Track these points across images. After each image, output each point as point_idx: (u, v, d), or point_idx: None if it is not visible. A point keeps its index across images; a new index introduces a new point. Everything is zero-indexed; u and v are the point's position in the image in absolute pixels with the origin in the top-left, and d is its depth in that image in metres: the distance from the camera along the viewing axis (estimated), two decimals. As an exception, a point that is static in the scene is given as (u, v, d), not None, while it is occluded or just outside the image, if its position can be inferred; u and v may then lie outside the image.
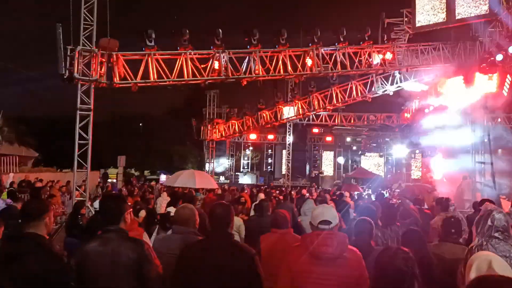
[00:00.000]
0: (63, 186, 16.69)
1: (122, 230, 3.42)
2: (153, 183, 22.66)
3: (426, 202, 11.26)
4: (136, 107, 43.51)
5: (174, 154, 40.25)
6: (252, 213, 9.55)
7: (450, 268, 3.78)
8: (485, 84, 15.51)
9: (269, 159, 39.67)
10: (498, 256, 2.65)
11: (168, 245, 3.97)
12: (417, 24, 16.67)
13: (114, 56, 12.31)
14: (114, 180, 26.20)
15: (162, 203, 11.26)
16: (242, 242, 3.65)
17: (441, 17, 16.28)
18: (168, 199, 11.88)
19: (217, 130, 27.92)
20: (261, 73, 15.22)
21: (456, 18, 15.86)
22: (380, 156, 39.43)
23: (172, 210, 7.99)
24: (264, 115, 25.48)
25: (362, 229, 4.37)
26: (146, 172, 41.94)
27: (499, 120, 25.74)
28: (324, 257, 3.27)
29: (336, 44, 16.31)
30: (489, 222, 3.60)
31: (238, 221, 6.69)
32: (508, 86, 15.91)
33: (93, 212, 9.91)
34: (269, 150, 39.27)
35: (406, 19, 17.73)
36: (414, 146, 36.02)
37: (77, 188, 12.70)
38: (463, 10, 15.74)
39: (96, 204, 8.63)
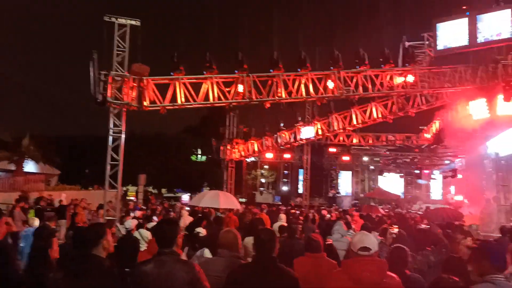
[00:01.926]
0: (89, 204, 17.10)
1: (175, 252, 3.64)
2: (178, 204, 22.90)
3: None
4: (152, 126, 44.10)
5: (191, 172, 40.60)
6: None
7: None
8: (508, 106, 15.51)
9: (285, 178, 39.68)
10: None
11: (213, 268, 4.12)
12: (439, 47, 16.86)
13: (145, 81, 12.80)
14: (134, 198, 26.56)
15: (184, 223, 11.37)
16: (285, 267, 3.79)
17: (463, 40, 16.43)
18: (190, 218, 12.11)
19: (236, 150, 28.18)
20: (283, 96, 15.57)
21: (479, 41, 16.00)
22: (400, 176, 39.14)
23: (201, 230, 8.20)
24: (284, 135, 25.69)
25: (398, 257, 4.40)
26: (163, 190, 42.28)
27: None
28: (365, 283, 3.39)
29: (358, 67, 16.57)
30: None
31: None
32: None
33: (123, 232, 10.14)
34: (285, 170, 39.34)
35: (427, 42, 17.93)
36: (434, 167, 35.75)
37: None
38: (485, 34, 15.90)
39: (128, 223, 8.87)
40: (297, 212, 18.43)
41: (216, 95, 14.30)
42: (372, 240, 3.67)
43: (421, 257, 6.17)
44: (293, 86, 15.79)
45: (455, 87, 17.62)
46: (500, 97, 15.50)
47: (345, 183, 40.48)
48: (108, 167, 12.22)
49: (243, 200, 29.30)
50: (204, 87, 14.16)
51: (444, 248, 6.72)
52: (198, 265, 3.74)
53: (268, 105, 15.56)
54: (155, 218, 11.27)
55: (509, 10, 15.60)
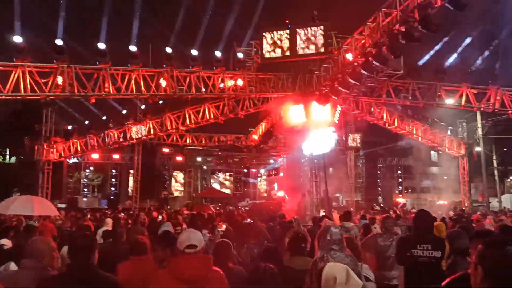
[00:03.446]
0: None
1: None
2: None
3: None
4: None
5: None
6: (98, 240, 9.05)
7: (300, 278, 4.23)
8: (320, 112, 17.70)
9: (113, 180, 37.59)
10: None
11: (16, 282, 3.65)
12: (265, 56, 18.23)
13: None
14: None
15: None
16: (106, 273, 3.51)
17: (285, 51, 18.07)
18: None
19: (55, 149, 25.27)
20: (111, 91, 14.63)
21: (298, 53, 17.84)
22: (230, 175, 41.16)
23: (6, 242, 7.06)
24: (111, 134, 24.12)
25: (222, 251, 4.57)
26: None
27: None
28: (190, 280, 3.36)
29: (191, 67, 16.70)
30: (327, 237, 4.12)
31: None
32: (338, 114, 18.53)
33: None
34: (113, 170, 37.25)
35: (255, 49, 19.17)
36: (260, 166, 38.67)
37: None
38: (304, 47, 17.83)
39: None
40: (122, 214, 17.61)
41: (29, 86, 12.50)
42: (198, 237, 3.67)
43: (246, 250, 6.46)
44: (122, 81, 14.97)
45: (278, 93, 19.30)
46: (314, 103, 17.58)
47: (178, 183, 40.55)
48: None
49: (63, 205, 26.63)
50: (13, 77, 12.20)
51: (266, 240, 7.23)
52: (-1, 281, 3.17)
53: (93, 100, 14.39)
54: None
55: (322, 27, 17.83)
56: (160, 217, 16.45)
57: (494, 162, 30.41)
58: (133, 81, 15.20)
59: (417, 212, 6.02)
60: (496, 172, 30.47)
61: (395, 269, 6.43)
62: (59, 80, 13.17)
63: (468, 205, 27.25)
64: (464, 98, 19.35)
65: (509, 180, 39.16)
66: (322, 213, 15.29)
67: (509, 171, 36.93)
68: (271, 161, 36.88)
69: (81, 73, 14.01)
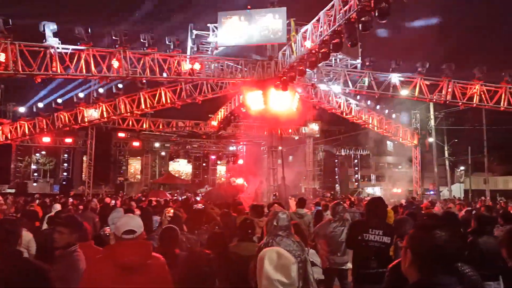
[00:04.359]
0: None
1: None
2: None
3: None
4: None
5: None
6: (45, 226, 8.67)
7: (246, 264, 4.16)
8: (279, 99, 17.69)
9: (66, 164, 36.18)
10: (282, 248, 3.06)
11: None
12: (222, 40, 17.86)
13: None
14: None
15: None
16: (33, 259, 3.29)
17: (244, 35, 17.81)
18: None
19: (0, 131, 23.93)
20: (59, 71, 13.87)
21: (257, 38, 17.63)
22: (188, 162, 40.65)
23: None
24: (62, 116, 23.00)
25: (168, 237, 4.46)
26: None
27: (290, 130, 29.88)
28: (128, 267, 3.23)
29: (145, 48, 16.14)
30: (274, 222, 4.10)
31: (27, 235, 5.91)
32: (296, 102, 18.58)
33: None
34: (66, 155, 35.81)
35: (212, 33, 18.76)
36: (220, 153, 38.43)
37: None
38: (262, 33, 17.64)
39: None
40: (71, 200, 17.07)
41: (-34, 63, 11.65)
42: (137, 223, 3.54)
43: (196, 236, 6.31)
44: (70, 61, 14.23)
45: (236, 78, 19.04)
46: (272, 90, 17.53)
47: (134, 169, 39.67)
48: None
49: (11, 190, 25.43)
50: None
51: (217, 226, 7.10)
52: None
53: (39, 80, 13.60)
54: None
55: (280, 13, 17.71)
56: (113, 202, 16.00)
57: (446, 152, 31.70)
58: (82, 61, 14.49)
59: (371, 198, 6.08)
60: (447, 162, 31.80)
61: (348, 254, 6.51)
62: (2, 57, 12.34)
63: (420, 193, 28.33)
64: (417, 89, 19.89)
65: (459, 170, 40.96)
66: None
67: (460, 161, 38.56)
68: (231, 148, 36.77)
69: (26, 50, 13.21)
